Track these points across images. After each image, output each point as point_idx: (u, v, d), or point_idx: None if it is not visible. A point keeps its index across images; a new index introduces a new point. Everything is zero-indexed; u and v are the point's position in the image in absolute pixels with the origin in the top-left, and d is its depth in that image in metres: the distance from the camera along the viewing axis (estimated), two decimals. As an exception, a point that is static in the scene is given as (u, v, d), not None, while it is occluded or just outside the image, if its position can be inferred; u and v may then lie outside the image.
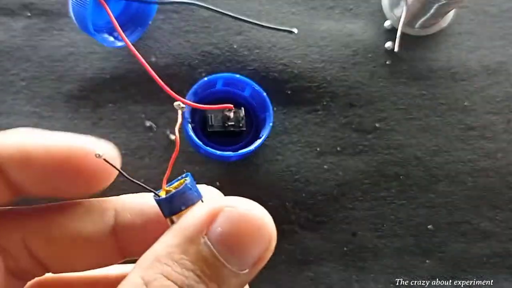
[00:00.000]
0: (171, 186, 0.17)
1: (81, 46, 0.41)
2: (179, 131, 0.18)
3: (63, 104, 0.41)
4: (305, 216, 0.40)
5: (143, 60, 0.35)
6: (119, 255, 0.18)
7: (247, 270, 0.15)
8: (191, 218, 0.15)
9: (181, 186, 0.17)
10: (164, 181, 0.17)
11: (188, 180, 0.17)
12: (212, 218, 0.15)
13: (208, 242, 0.14)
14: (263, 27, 0.40)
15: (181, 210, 0.16)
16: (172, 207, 0.16)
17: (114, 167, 0.16)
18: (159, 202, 0.17)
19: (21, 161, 0.16)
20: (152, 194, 0.17)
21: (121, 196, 0.18)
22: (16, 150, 0.16)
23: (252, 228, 0.15)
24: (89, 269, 0.18)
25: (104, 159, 0.15)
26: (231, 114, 0.39)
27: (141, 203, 0.18)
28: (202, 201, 0.17)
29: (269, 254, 0.15)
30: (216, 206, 0.15)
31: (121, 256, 0.18)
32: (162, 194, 0.17)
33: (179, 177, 0.18)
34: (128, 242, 0.18)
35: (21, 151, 0.16)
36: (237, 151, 0.37)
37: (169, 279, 0.14)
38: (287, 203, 0.40)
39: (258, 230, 0.15)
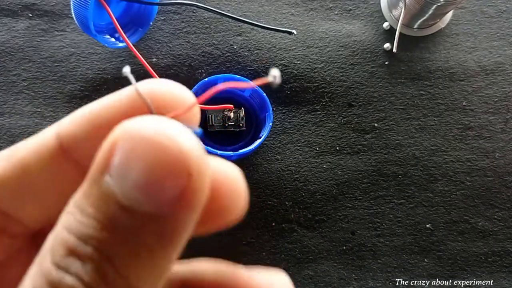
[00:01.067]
0: None
1: (82, 47, 0.41)
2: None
3: (64, 104, 0.41)
4: (305, 215, 0.40)
5: (144, 61, 0.35)
6: (74, 169, 0.14)
7: (166, 211, 0.11)
8: (97, 155, 0.12)
9: None
10: None
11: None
12: (112, 150, 0.11)
13: (110, 180, 0.11)
14: (262, 28, 0.40)
15: None
16: None
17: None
18: None
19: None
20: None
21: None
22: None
23: (150, 152, 0.11)
24: (54, 196, 0.14)
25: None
26: (231, 114, 0.39)
27: (82, 112, 0.14)
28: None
29: (200, 185, 0.11)
30: (115, 134, 0.11)
31: (79, 171, 0.15)
32: None
33: None
34: (79, 153, 0.14)
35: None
36: (237, 151, 0.38)
37: (67, 231, 0.11)
38: (287, 202, 0.40)
39: (160, 153, 0.11)
